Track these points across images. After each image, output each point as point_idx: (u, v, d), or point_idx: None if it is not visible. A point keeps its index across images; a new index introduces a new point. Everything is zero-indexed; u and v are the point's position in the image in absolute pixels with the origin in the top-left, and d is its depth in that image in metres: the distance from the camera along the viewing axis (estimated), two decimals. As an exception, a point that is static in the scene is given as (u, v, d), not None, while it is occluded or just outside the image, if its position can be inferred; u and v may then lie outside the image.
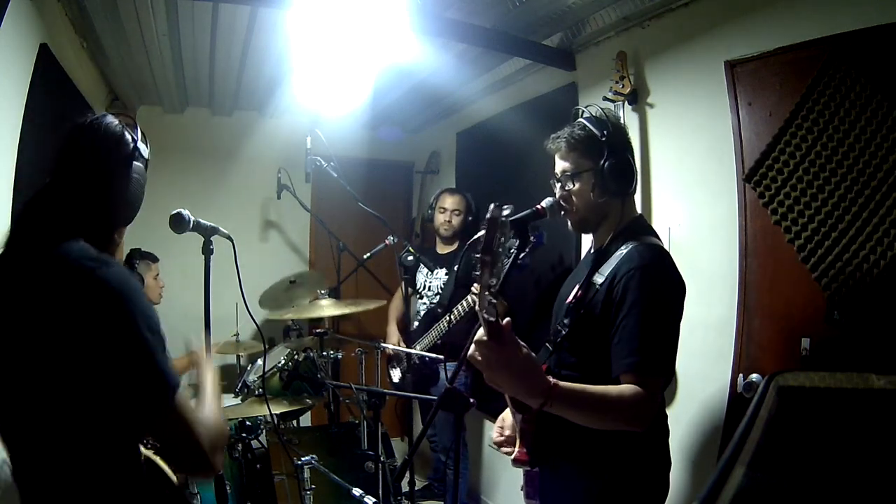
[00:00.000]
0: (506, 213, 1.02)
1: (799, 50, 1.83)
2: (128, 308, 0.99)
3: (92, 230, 1.09)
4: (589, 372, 1.35)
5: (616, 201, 1.44)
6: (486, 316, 1.07)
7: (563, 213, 1.46)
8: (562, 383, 1.20)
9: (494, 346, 1.11)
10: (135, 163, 1.16)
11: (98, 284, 0.99)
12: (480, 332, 1.12)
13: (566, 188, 1.43)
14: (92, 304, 0.97)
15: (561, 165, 1.45)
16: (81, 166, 1.11)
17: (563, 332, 1.42)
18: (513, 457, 1.43)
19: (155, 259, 3.30)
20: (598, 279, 1.38)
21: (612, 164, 1.38)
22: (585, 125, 1.42)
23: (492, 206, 1.02)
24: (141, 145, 1.18)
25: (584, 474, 1.38)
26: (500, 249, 1.01)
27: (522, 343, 1.15)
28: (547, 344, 1.48)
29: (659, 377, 1.28)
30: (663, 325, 1.30)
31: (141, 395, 0.99)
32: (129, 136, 1.16)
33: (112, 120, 1.16)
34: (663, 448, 1.43)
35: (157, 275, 3.30)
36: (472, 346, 1.13)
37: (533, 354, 1.17)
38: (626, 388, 1.25)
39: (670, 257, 1.40)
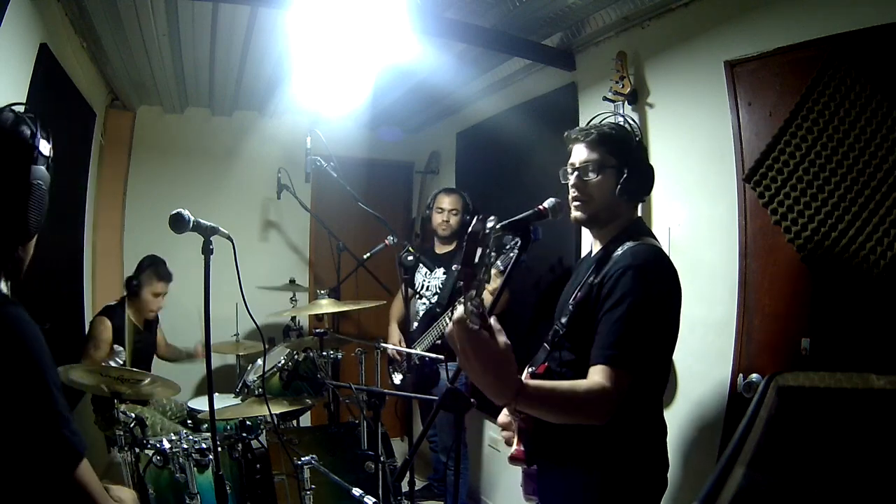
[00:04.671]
0: (490, 224, 1.02)
1: (799, 50, 1.83)
2: (29, 357, 0.88)
3: None
4: (586, 371, 1.35)
5: (630, 204, 1.48)
6: (471, 308, 1.01)
7: (573, 203, 1.46)
8: (531, 383, 1.19)
9: (473, 329, 1.03)
10: (34, 167, 0.98)
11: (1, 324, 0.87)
12: (460, 311, 1.04)
13: (585, 178, 1.44)
14: None
15: (585, 155, 1.45)
16: None
17: (561, 332, 1.43)
18: (510, 454, 1.44)
19: (164, 277, 3.14)
20: (595, 280, 1.39)
21: (641, 168, 1.44)
22: (617, 126, 1.47)
23: (475, 219, 1.01)
24: (42, 144, 0.99)
25: (580, 471, 1.39)
26: (486, 261, 0.99)
27: (505, 338, 1.09)
28: (545, 344, 1.49)
29: (629, 372, 1.25)
30: (646, 324, 1.29)
31: (41, 463, 0.87)
32: (25, 137, 0.98)
33: (7, 116, 0.98)
34: (660, 446, 1.43)
35: (160, 294, 3.14)
36: (451, 326, 1.06)
37: (511, 350, 1.09)
38: (593, 384, 1.24)
39: (666, 257, 1.40)
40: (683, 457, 2.10)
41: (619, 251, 1.38)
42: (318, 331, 2.98)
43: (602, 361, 1.26)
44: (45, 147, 1.00)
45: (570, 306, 1.44)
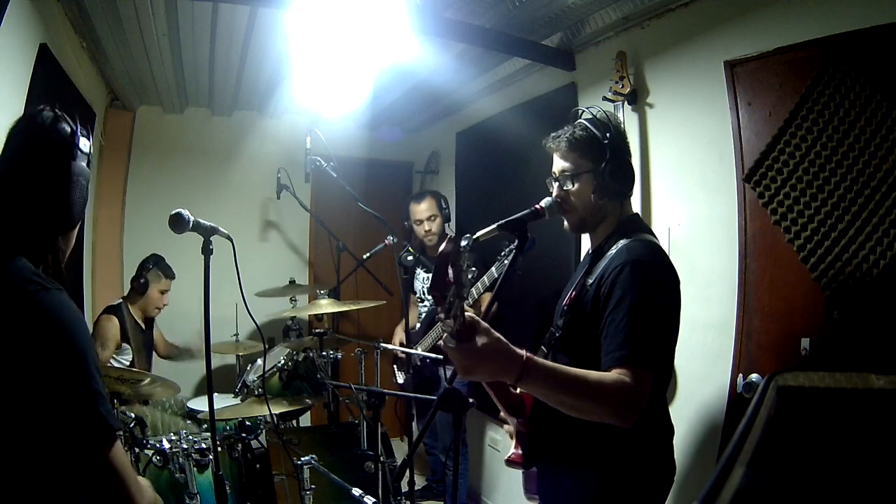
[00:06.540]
0: (463, 244, 1.00)
1: (799, 50, 1.83)
2: (70, 338, 0.93)
3: (29, 242, 1.01)
4: None
5: (615, 203, 1.43)
6: (449, 327, 1.04)
7: (560, 213, 1.45)
8: (537, 357, 1.15)
9: (463, 346, 1.06)
10: (73, 163, 1.06)
11: (38, 310, 0.92)
12: (447, 339, 1.07)
13: (564, 188, 1.43)
14: (31, 332, 0.91)
15: (560, 165, 1.44)
16: (12, 172, 1.03)
17: (557, 335, 1.42)
18: (506, 458, 1.43)
19: (170, 275, 3.23)
20: (590, 279, 1.37)
21: (614, 165, 1.37)
22: (587, 126, 1.41)
23: (447, 239, 0.99)
24: (82, 141, 1.08)
25: (582, 472, 1.37)
26: (460, 279, 0.98)
27: (487, 326, 1.10)
28: (542, 346, 1.48)
29: (648, 370, 1.21)
30: (653, 318, 1.25)
31: (77, 438, 0.91)
32: (66, 135, 1.07)
33: (47, 115, 1.07)
34: (667, 447, 1.40)
35: (165, 291, 3.24)
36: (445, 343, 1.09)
37: (497, 334, 1.11)
38: (607, 374, 1.20)
39: (663, 252, 1.38)
40: (683, 457, 2.10)
41: (614, 250, 1.36)
42: (317, 331, 2.98)
43: (616, 364, 1.20)
44: (84, 144, 1.08)
45: (564, 308, 1.43)
